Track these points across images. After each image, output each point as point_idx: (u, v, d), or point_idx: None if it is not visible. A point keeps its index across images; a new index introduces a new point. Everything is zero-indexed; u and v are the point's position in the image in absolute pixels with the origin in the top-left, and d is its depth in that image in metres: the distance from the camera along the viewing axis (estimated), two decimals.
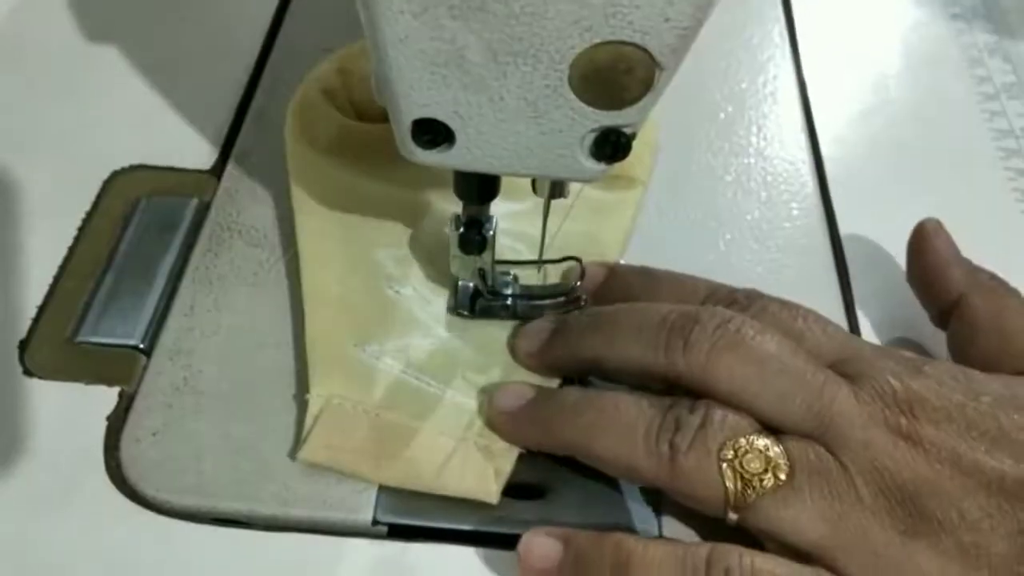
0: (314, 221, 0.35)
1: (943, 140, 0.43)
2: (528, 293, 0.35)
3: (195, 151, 0.40)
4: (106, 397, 0.32)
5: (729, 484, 0.26)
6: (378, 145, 0.37)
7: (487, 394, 0.31)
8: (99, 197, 0.38)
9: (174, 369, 0.33)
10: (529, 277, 0.35)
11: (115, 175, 0.39)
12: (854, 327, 0.35)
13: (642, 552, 0.26)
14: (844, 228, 0.39)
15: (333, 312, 0.33)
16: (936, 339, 0.33)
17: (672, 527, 0.29)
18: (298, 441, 0.30)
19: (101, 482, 0.30)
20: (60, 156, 0.40)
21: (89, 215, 0.37)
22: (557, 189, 0.30)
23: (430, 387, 0.32)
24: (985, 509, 0.25)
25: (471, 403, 0.32)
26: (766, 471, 0.26)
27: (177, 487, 0.30)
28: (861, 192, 0.40)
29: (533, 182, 0.30)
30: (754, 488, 0.26)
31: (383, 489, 0.30)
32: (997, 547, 0.24)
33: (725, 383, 0.27)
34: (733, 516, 0.26)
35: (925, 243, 0.33)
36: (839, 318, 0.35)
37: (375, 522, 0.29)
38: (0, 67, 0.43)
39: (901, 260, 0.35)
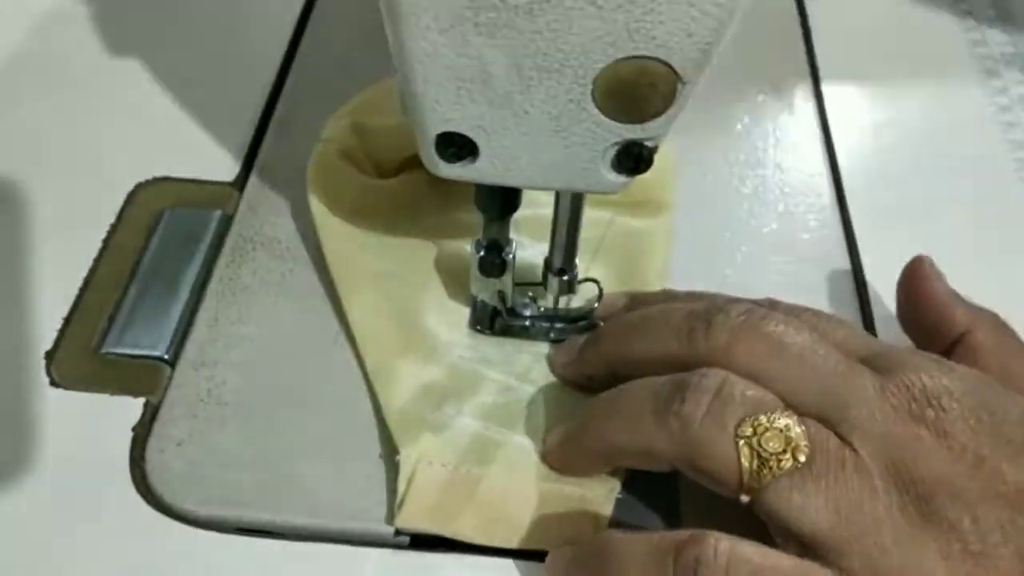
0: (360, 297, 0.34)
1: (960, 151, 0.43)
2: (546, 316, 0.35)
3: (218, 163, 0.40)
4: (131, 407, 0.32)
5: (745, 462, 0.25)
6: (402, 199, 0.37)
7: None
8: (123, 209, 0.38)
9: (199, 380, 0.33)
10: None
11: (139, 187, 0.39)
12: None
13: (619, 540, 0.26)
14: (862, 239, 0.39)
15: (403, 385, 0.32)
16: None
17: None
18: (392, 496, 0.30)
19: (127, 492, 0.30)
20: (84, 168, 0.40)
21: (113, 227, 0.38)
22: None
23: (514, 440, 0.31)
24: (999, 520, 0.24)
25: None
26: (784, 451, 0.25)
27: (202, 497, 0.30)
28: (878, 203, 0.40)
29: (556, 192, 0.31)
30: (770, 468, 0.25)
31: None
32: (1004, 563, 0.23)
33: (744, 365, 0.26)
34: (745, 497, 0.25)
35: (924, 282, 0.32)
36: None
37: (398, 532, 0.29)
38: (23, 82, 0.44)
39: None
